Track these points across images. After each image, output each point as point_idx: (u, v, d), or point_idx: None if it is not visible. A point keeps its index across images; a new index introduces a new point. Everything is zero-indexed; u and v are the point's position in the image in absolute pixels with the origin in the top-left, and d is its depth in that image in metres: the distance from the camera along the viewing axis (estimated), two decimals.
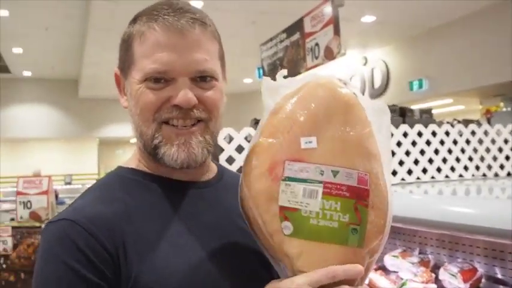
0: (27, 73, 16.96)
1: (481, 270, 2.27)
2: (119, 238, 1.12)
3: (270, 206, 1.04)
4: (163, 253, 1.14)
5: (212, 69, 1.22)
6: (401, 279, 2.37)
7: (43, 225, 1.19)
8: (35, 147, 19.30)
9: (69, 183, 16.58)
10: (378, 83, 12.90)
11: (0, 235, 5.93)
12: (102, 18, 9.30)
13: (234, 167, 2.96)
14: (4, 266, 5.88)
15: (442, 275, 2.31)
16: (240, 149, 3.03)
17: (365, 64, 13.40)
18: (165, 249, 1.14)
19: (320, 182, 1.03)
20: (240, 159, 3.04)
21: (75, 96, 18.34)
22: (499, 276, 2.27)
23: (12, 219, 6.69)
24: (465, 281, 2.20)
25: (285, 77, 1.16)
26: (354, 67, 13.58)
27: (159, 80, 1.19)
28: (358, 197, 1.04)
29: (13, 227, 5.98)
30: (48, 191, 6.28)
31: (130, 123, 1.31)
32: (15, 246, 5.89)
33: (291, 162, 1.05)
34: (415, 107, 3.64)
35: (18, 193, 6.26)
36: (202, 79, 1.21)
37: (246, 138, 3.08)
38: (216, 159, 2.60)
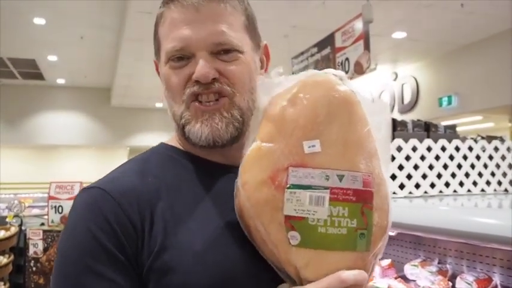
0: (60, 81, 17.19)
1: (497, 279, 2.34)
2: (147, 213, 1.11)
3: (274, 215, 0.99)
4: (190, 233, 1.10)
5: (231, 41, 1.18)
6: (419, 286, 2.45)
7: None
8: (66, 154, 19.44)
9: None
10: (407, 98, 12.90)
11: (32, 238, 6.08)
12: (137, 29, 9.44)
13: None
14: (34, 268, 6.04)
15: (459, 283, 2.37)
16: None
17: (395, 79, 13.41)
18: (192, 229, 1.11)
19: (326, 188, 0.98)
20: None
21: (107, 105, 18.48)
22: None
23: (42, 224, 6.82)
24: None
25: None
26: (384, 82, 13.58)
27: (180, 58, 1.18)
28: (364, 200, 0.99)
29: (44, 231, 6.13)
30: None
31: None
32: (45, 250, 6.03)
33: (295, 168, 0.99)
34: (445, 123, 3.65)
35: (50, 197, 6.39)
36: (224, 52, 1.18)
37: None
38: None
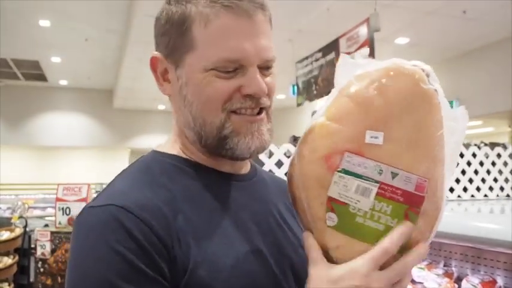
0: (63, 82, 17.29)
1: (501, 282, 2.41)
2: (173, 228, 1.02)
3: (319, 193, 0.99)
4: (214, 245, 1.05)
5: (274, 56, 1.17)
6: None
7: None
8: (67, 155, 19.45)
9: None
10: None
11: (40, 239, 6.12)
12: (142, 32, 9.48)
13: None
14: (42, 269, 6.06)
15: (465, 285, 2.44)
16: (279, 164, 3.19)
17: None
18: (216, 241, 1.06)
19: (376, 182, 0.95)
20: (279, 174, 3.09)
21: (109, 107, 18.53)
22: None
23: (46, 226, 6.85)
24: None
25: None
26: None
27: (229, 68, 1.10)
28: (412, 204, 0.95)
29: (52, 232, 6.16)
30: (87, 198, 6.43)
31: (178, 111, 1.22)
32: (53, 251, 6.06)
33: (351, 154, 0.96)
34: None
35: (58, 199, 6.40)
36: (266, 67, 1.16)
37: (285, 154, 3.22)
38: None
